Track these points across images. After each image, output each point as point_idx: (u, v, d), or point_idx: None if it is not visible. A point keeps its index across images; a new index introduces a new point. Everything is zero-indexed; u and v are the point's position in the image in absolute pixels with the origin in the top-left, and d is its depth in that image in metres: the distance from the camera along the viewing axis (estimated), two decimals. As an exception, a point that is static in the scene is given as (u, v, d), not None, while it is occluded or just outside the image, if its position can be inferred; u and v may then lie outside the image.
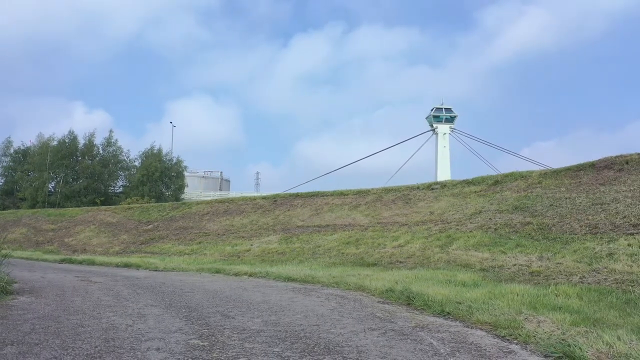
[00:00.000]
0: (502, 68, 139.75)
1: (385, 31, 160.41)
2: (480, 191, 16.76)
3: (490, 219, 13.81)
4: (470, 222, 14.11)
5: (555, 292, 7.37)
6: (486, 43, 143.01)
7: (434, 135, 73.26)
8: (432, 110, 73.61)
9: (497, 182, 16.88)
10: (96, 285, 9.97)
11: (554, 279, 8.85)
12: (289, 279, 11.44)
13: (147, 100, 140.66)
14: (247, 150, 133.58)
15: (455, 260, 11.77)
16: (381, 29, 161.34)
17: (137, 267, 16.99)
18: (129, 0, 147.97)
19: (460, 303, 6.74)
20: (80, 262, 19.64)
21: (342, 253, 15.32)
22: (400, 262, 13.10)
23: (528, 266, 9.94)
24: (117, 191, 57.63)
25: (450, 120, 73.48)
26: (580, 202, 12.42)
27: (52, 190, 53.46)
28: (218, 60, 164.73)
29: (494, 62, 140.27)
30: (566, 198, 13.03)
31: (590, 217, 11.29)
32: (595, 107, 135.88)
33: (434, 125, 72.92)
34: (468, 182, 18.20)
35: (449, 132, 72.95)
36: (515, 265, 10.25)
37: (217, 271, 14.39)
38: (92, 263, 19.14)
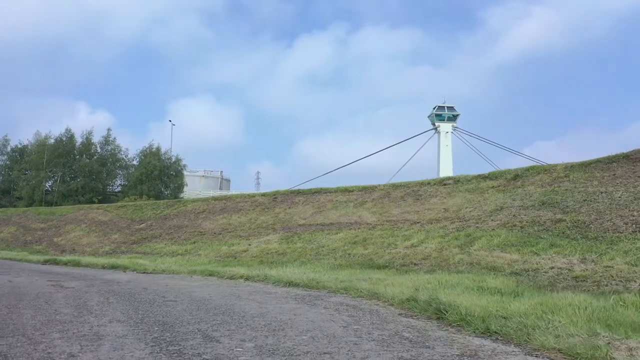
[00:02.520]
0: (504, 68, 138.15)
1: (389, 32, 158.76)
2: (499, 186, 15.34)
3: (514, 215, 12.39)
4: (492, 220, 12.70)
5: (621, 302, 5.96)
6: (489, 43, 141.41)
7: (436, 134, 71.83)
8: (434, 108, 72.07)
9: (517, 176, 15.46)
10: (65, 291, 8.56)
11: (606, 285, 7.44)
12: (290, 284, 10.03)
13: (149, 101, 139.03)
14: (248, 150, 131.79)
15: (479, 262, 10.35)
16: (385, 29, 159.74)
17: (125, 268, 15.61)
18: (133, 1, 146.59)
19: (506, 318, 5.33)
20: (65, 263, 18.25)
21: (349, 254, 13.91)
22: (415, 264, 11.68)
23: (569, 270, 8.52)
24: (116, 190, 56.28)
25: (453, 118, 71.98)
26: (619, 197, 11.00)
27: (50, 189, 52.11)
28: (222, 61, 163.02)
29: (496, 62, 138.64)
30: (601, 192, 11.62)
31: (635, 214, 9.87)
32: (597, 106, 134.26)
33: (436, 124, 71.38)
34: (484, 177, 16.78)
35: (451, 130, 71.49)
36: (552, 268, 8.83)
37: (211, 274, 13.00)
38: (77, 264, 17.75)
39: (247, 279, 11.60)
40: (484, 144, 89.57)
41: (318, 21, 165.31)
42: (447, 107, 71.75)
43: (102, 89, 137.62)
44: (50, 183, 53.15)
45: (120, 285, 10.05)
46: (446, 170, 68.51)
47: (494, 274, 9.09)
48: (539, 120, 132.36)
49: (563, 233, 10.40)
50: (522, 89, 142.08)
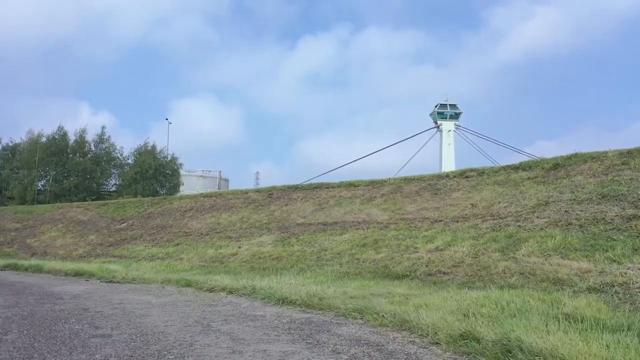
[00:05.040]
0: (507, 67, 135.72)
1: (392, 32, 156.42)
2: (536, 177, 12.82)
3: (566, 211, 9.87)
4: (537, 217, 10.17)
5: None
6: (492, 43, 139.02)
7: (439, 132, 69.40)
8: (436, 106, 69.49)
9: (557, 165, 12.94)
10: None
11: None
12: (284, 301, 7.53)
13: (152, 101, 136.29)
14: (249, 150, 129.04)
15: (534, 272, 7.83)
16: (388, 30, 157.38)
17: (90, 276, 13.15)
18: (137, 2, 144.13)
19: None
20: (26, 269, 15.78)
21: (357, 259, 11.40)
22: (444, 272, 9.17)
23: (680, 286, 6.01)
24: (110, 189, 53.98)
25: (455, 116, 69.49)
26: None
27: (42, 188, 49.80)
28: (224, 61, 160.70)
29: (498, 62, 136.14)
30: (683, 181, 9.12)
31: None
32: (598, 106, 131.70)
33: (439, 122, 68.88)
34: (515, 167, 14.26)
35: (454, 129, 69.03)
36: (651, 283, 6.31)
37: (188, 284, 10.55)
38: (39, 270, 15.27)
39: (230, 292, 9.12)
40: (486, 144, 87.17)
41: (321, 22, 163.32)
42: (450, 104, 69.20)
43: (105, 89, 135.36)
44: (43, 182, 50.91)
45: (58, 303, 7.54)
46: (448, 169, 65.89)
47: (566, 291, 6.58)
48: (540, 120, 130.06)
49: (645, 233, 7.88)
50: (523, 89, 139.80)
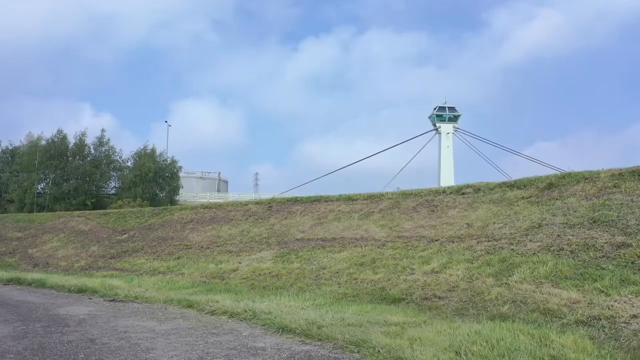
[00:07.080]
0: (508, 69, 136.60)
1: (394, 35, 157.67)
2: (531, 197, 13.10)
3: (559, 235, 10.15)
4: (530, 240, 10.45)
5: None
6: (493, 45, 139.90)
7: (437, 135, 69.92)
8: (435, 109, 70.08)
9: (551, 185, 13.22)
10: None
11: None
12: (284, 330, 7.78)
13: (154, 102, 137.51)
14: (251, 152, 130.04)
15: (525, 300, 8.11)
16: (390, 33, 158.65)
17: (93, 292, 13.38)
18: (140, 5, 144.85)
19: None
20: (29, 284, 15.96)
21: (355, 279, 11.67)
22: (439, 297, 9.44)
23: (663, 322, 6.28)
24: (110, 193, 54.37)
25: (454, 119, 70.07)
26: (698, 215, 8.76)
27: (42, 191, 50.12)
28: (227, 64, 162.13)
29: (500, 64, 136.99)
30: (671, 208, 9.39)
31: None
32: (598, 108, 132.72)
33: (437, 125, 69.58)
34: (510, 185, 14.54)
35: (452, 131, 69.54)
36: (636, 317, 6.58)
37: (189, 304, 10.80)
38: (42, 285, 15.48)
39: (231, 315, 9.37)
40: (486, 145, 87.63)
41: (323, 25, 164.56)
42: (448, 107, 69.71)
43: (107, 91, 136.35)
44: (42, 185, 51.19)
45: (65, 332, 7.78)
46: (447, 172, 66.45)
47: (555, 324, 6.84)
48: (541, 120, 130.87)
49: (633, 263, 8.15)
50: (524, 90, 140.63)
